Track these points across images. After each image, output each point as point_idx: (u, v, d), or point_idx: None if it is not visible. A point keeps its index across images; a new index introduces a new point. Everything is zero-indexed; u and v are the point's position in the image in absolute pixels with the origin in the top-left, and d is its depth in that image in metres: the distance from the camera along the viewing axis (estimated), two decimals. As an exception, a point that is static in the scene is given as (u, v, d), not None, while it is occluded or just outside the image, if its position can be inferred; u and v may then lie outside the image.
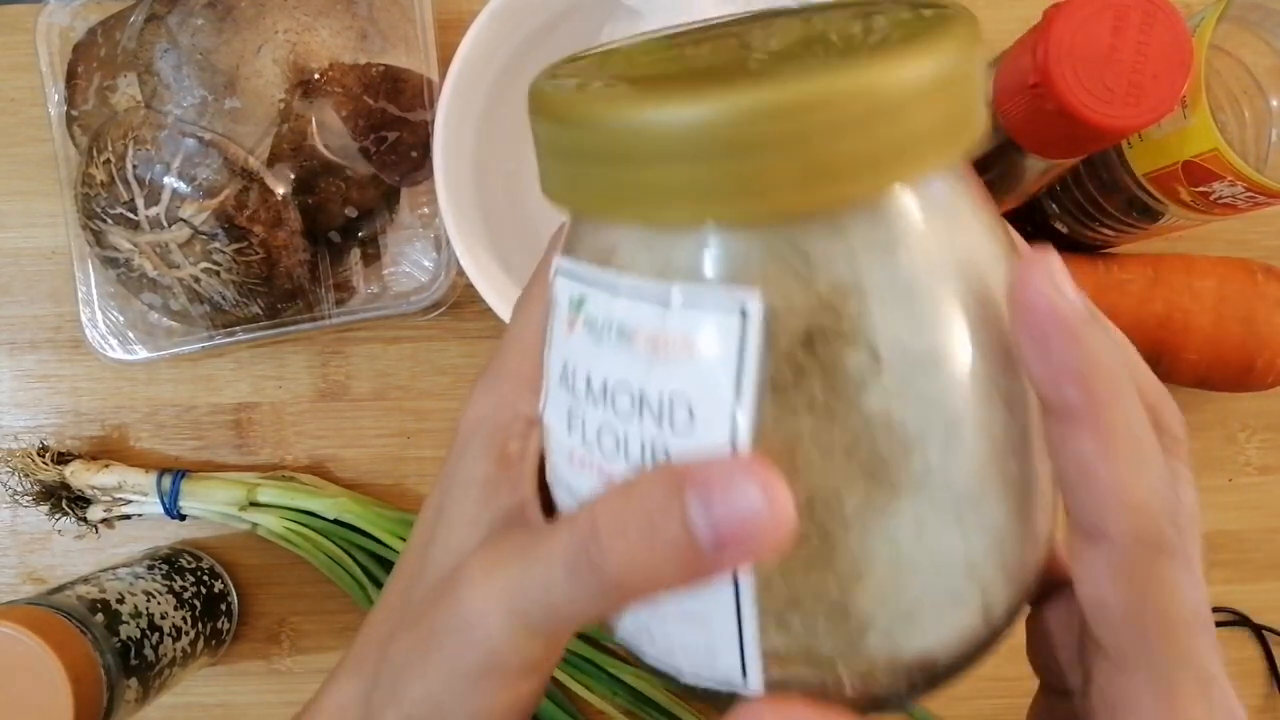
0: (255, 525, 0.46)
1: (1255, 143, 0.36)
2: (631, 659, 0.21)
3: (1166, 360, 0.43)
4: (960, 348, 0.17)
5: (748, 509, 0.16)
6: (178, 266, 0.43)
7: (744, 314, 0.16)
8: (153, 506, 0.47)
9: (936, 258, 0.17)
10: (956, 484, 0.17)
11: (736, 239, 0.16)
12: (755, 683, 0.18)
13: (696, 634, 0.18)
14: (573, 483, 0.19)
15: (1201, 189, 0.36)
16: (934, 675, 0.18)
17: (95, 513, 0.47)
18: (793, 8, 0.21)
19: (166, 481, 0.47)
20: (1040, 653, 0.23)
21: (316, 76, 0.43)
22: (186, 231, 0.43)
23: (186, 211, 0.42)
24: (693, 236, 0.16)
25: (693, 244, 0.16)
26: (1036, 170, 0.36)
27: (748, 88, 0.15)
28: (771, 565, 0.17)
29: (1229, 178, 0.34)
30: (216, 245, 0.43)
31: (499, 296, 0.42)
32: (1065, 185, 0.42)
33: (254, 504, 0.46)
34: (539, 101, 0.18)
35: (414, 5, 0.45)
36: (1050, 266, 0.17)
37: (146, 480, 0.47)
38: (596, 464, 0.18)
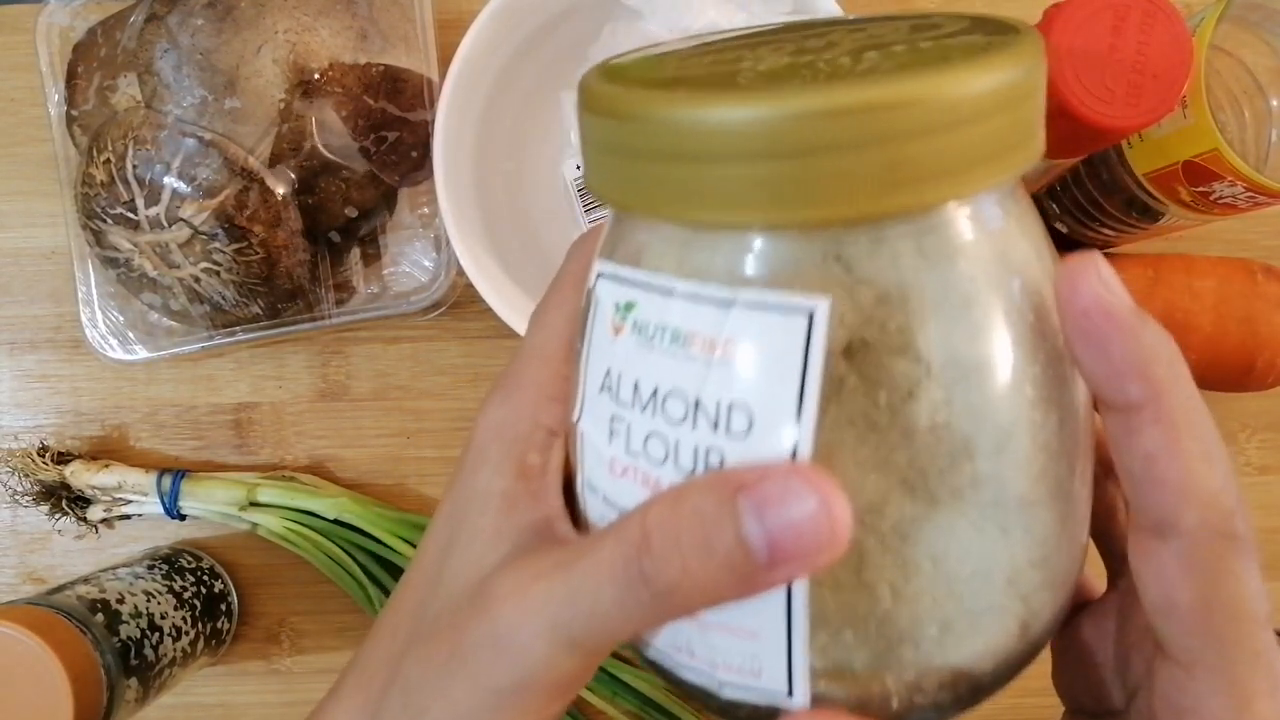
0: (255, 525, 0.46)
1: (1255, 143, 0.36)
2: (662, 677, 0.20)
3: (1166, 360, 0.43)
4: (1009, 358, 0.17)
5: (805, 519, 0.15)
6: (178, 266, 0.43)
7: (811, 318, 0.16)
8: (153, 506, 0.47)
9: (988, 270, 0.17)
10: (1005, 494, 0.17)
11: (791, 245, 0.16)
12: (801, 697, 0.17)
13: (742, 647, 0.18)
14: (613, 493, 0.19)
15: (1201, 189, 0.36)
16: (978, 687, 0.18)
17: (95, 513, 0.47)
18: (850, 18, 0.21)
19: (166, 481, 0.47)
20: (1074, 674, 0.22)
21: (316, 76, 0.43)
22: (186, 231, 0.43)
23: (186, 211, 0.42)
24: (747, 240, 0.16)
25: (746, 248, 0.16)
26: (1036, 170, 0.36)
27: (814, 91, 0.15)
28: (823, 577, 0.17)
29: (1229, 178, 0.34)
30: (216, 245, 0.43)
31: (499, 296, 0.42)
32: (1065, 185, 0.42)
33: (254, 504, 0.46)
34: (597, 97, 0.17)
35: (414, 5, 0.45)
36: (1099, 267, 0.17)
37: (146, 480, 0.47)
38: (643, 472, 0.18)
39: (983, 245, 0.17)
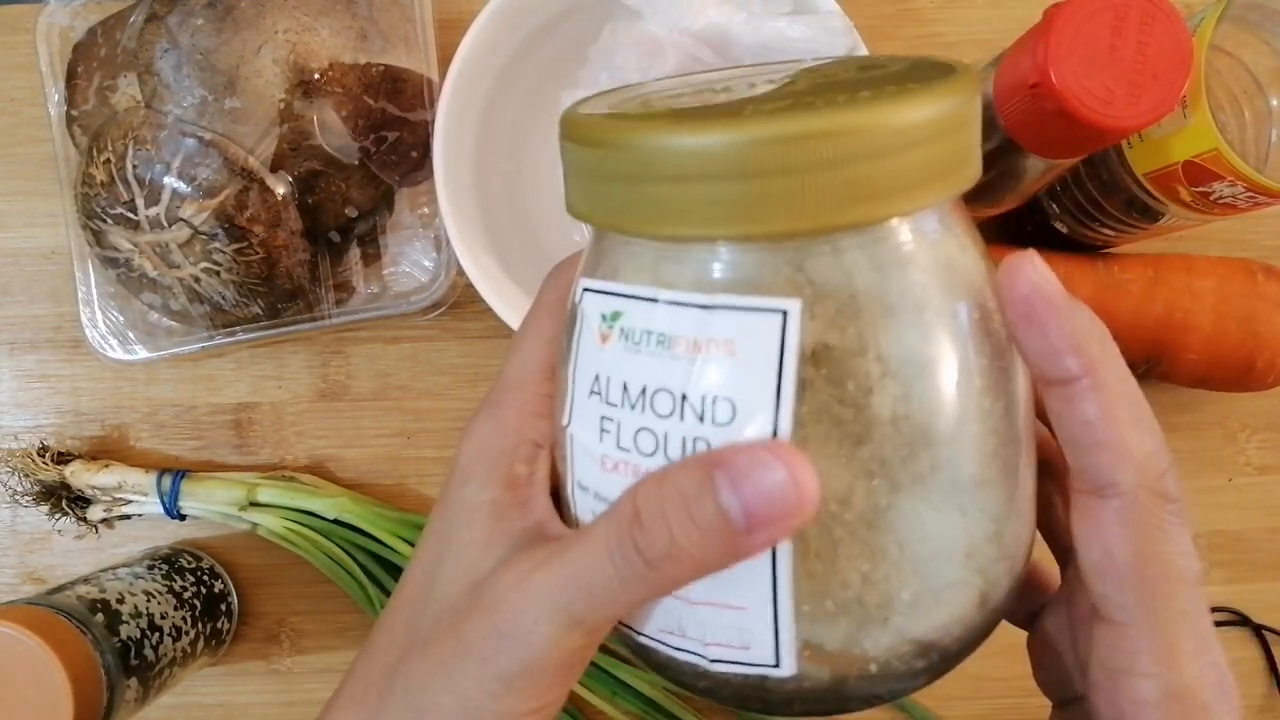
0: (255, 525, 0.46)
1: (1255, 143, 0.36)
2: (649, 662, 0.22)
3: (1166, 360, 0.43)
4: (958, 353, 0.19)
5: (774, 487, 0.17)
6: (178, 266, 0.43)
7: (784, 316, 0.18)
8: (153, 506, 0.47)
9: (934, 277, 0.19)
10: (960, 476, 0.19)
11: (759, 256, 0.18)
12: (788, 665, 0.19)
13: (732, 621, 0.19)
14: (604, 488, 0.20)
15: (1201, 189, 0.36)
16: (946, 655, 0.20)
17: (95, 513, 0.47)
18: (813, 62, 0.23)
19: (166, 481, 0.47)
20: (1045, 667, 0.24)
21: (316, 76, 0.43)
22: (186, 231, 0.43)
23: (186, 211, 0.42)
24: (718, 252, 0.19)
25: (718, 260, 0.19)
26: (1036, 170, 0.36)
27: (777, 118, 0.17)
28: (804, 555, 0.19)
29: (1229, 178, 0.34)
30: (216, 245, 0.43)
31: (499, 296, 0.42)
32: (1065, 185, 0.42)
33: (254, 504, 0.46)
34: (577, 127, 0.20)
35: (414, 5, 0.45)
36: (1034, 261, 0.19)
37: (146, 480, 0.47)
38: (633, 465, 0.20)
39: (928, 255, 0.19)
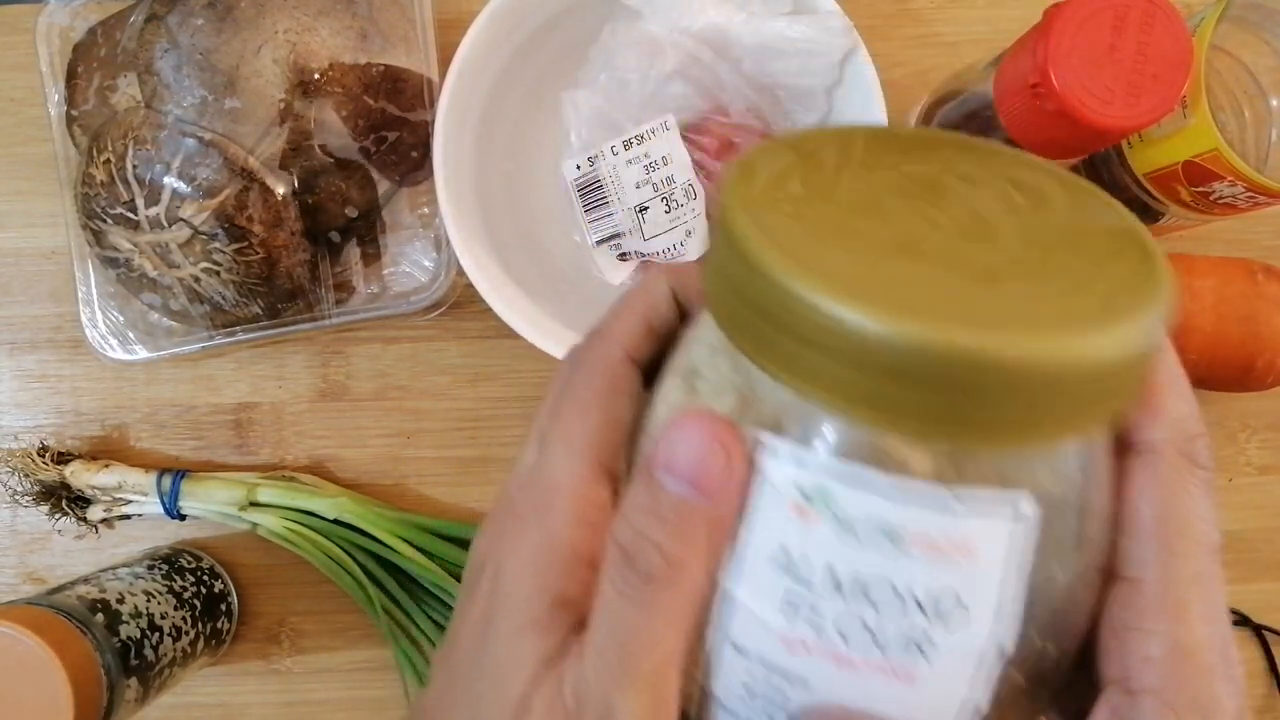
0: (255, 525, 0.46)
1: (1255, 143, 0.36)
2: None
3: (1166, 360, 0.43)
4: (1100, 529, 0.20)
5: (698, 450, 0.18)
6: (178, 266, 0.43)
7: (1021, 518, 0.18)
8: (152, 506, 0.47)
9: (1100, 478, 0.20)
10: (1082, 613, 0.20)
11: (977, 457, 0.18)
12: None
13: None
14: (784, 665, 0.19)
15: (1201, 189, 0.36)
16: None
17: (95, 513, 0.47)
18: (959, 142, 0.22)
19: (166, 481, 0.47)
20: None
21: (316, 76, 0.43)
22: (186, 231, 0.43)
23: (186, 211, 0.42)
24: (947, 448, 0.18)
25: (959, 450, 0.18)
26: (1036, 170, 0.36)
27: (967, 338, 0.16)
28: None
29: (1229, 178, 0.34)
30: (216, 245, 0.43)
31: (499, 296, 0.42)
32: (1065, 185, 0.42)
33: (254, 504, 0.46)
34: (744, 241, 0.18)
35: (414, 5, 0.45)
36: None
37: (146, 480, 0.47)
38: (832, 652, 0.19)
39: (1099, 461, 0.20)
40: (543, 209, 0.48)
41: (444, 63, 0.42)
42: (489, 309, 0.42)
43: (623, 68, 0.41)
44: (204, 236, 0.42)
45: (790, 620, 0.19)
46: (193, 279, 0.44)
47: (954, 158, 0.22)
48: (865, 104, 0.40)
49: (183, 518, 0.47)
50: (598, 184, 0.41)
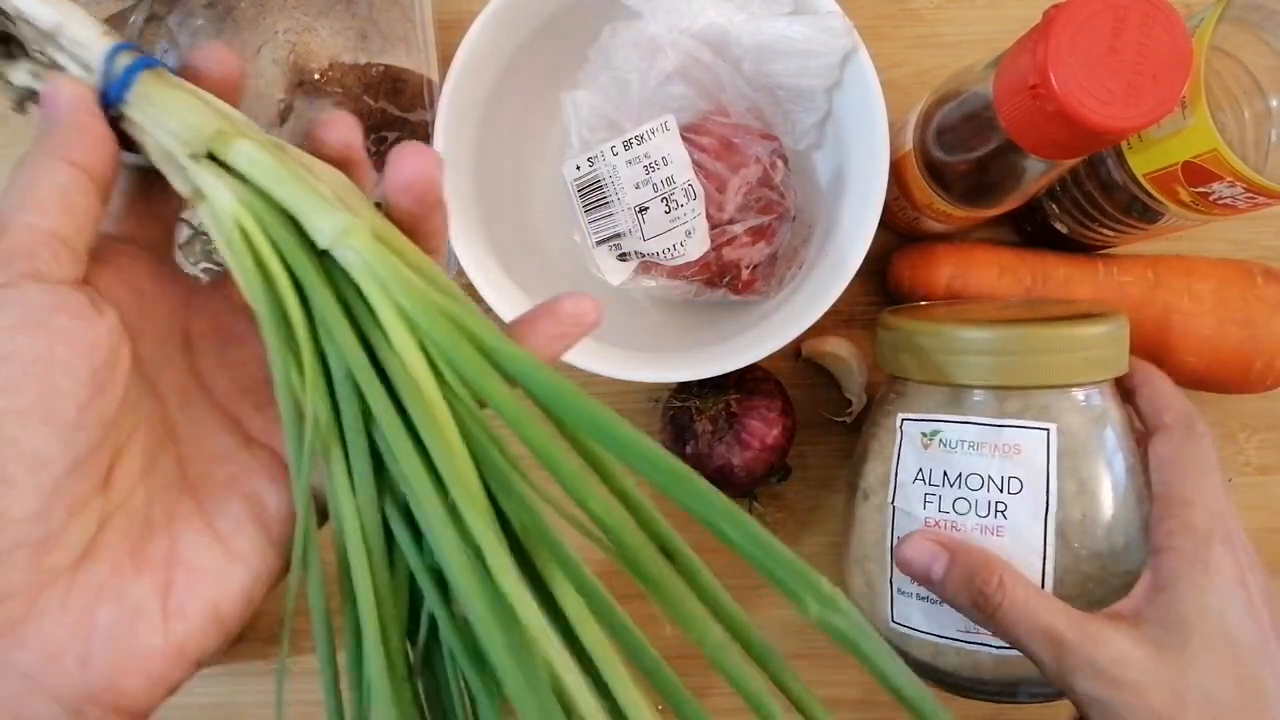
0: (197, 230, 0.33)
1: (1255, 143, 0.36)
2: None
3: (1165, 362, 0.43)
4: (1127, 459, 0.37)
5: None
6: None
7: (1048, 432, 0.35)
8: (87, 78, 0.26)
9: (1114, 418, 0.37)
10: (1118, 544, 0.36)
11: (1021, 399, 0.36)
12: None
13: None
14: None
15: (1201, 189, 0.36)
16: None
17: (19, 75, 0.27)
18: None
19: (122, 61, 0.26)
20: None
21: (316, 77, 0.43)
22: (186, 231, 0.43)
23: (186, 211, 0.42)
24: (1003, 395, 0.36)
25: (1004, 399, 0.36)
26: (1036, 171, 0.36)
27: (1019, 327, 0.36)
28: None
29: (1229, 178, 0.34)
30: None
31: (499, 296, 0.42)
32: (1065, 185, 0.42)
33: (213, 158, 0.27)
34: (903, 324, 0.39)
35: (414, 5, 0.45)
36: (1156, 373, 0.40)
37: (97, 41, 0.26)
38: (951, 522, 0.36)
39: (1114, 408, 0.37)
40: (543, 209, 0.48)
41: (444, 63, 0.42)
42: (489, 309, 0.42)
43: (623, 68, 0.41)
44: (204, 236, 0.42)
45: (926, 509, 0.37)
46: (193, 279, 0.44)
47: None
48: (865, 104, 0.40)
49: (120, 117, 0.26)
50: (598, 184, 0.41)
